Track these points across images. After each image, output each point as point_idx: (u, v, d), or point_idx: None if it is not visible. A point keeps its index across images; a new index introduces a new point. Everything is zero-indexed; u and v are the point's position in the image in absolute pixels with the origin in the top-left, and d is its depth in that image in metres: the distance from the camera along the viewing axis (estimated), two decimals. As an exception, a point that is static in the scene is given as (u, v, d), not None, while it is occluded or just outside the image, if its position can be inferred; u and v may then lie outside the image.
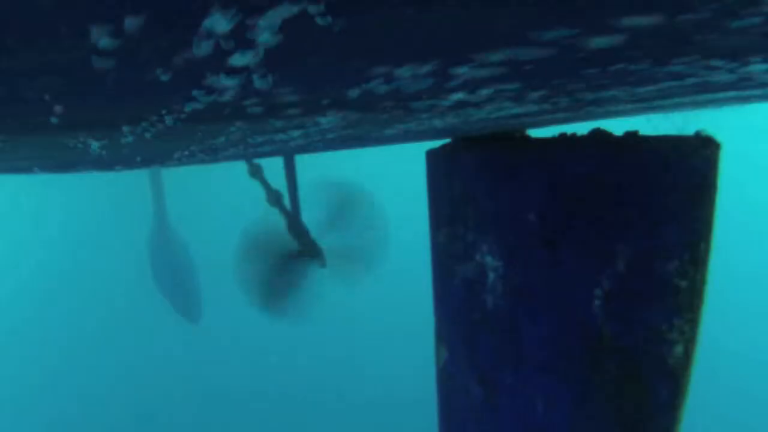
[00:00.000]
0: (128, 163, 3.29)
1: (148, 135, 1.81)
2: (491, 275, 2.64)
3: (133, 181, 19.03)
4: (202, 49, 0.93)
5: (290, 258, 7.98)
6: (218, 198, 20.56)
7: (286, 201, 7.92)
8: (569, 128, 2.60)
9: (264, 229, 8.05)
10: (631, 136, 2.37)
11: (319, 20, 0.86)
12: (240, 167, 8.16)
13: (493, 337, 2.71)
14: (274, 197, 7.87)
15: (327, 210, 8.30)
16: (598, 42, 1.12)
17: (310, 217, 7.99)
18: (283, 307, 8.26)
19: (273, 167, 7.68)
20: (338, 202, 8.37)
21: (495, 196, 2.54)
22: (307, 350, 23.36)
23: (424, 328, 3.26)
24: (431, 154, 2.94)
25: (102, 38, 0.84)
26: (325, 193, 8.24)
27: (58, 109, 1.27)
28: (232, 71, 1.09)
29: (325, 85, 1.34)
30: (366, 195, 8.53)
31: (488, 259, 2.63)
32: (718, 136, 2.36)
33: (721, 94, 2.05)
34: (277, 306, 8.23)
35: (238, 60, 1.02)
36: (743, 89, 1.83)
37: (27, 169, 3.17)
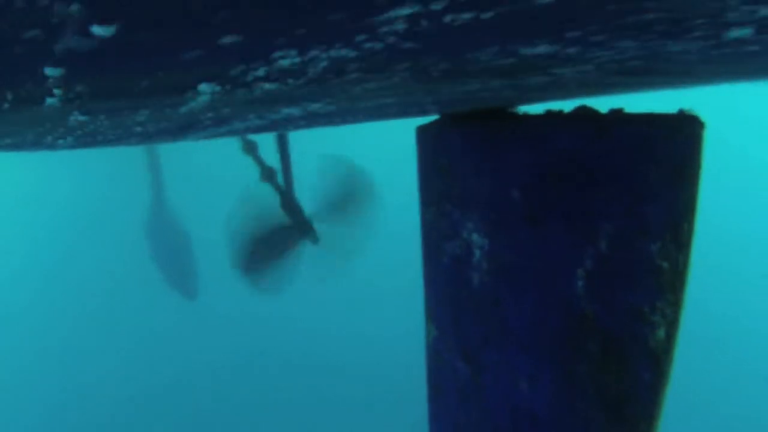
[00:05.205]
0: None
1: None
2: (477, 253, 2.64)
3: (131, 159, 18.97)
4: None
5: (280, 232, 7.96)
6: (216, 175, 20.47)
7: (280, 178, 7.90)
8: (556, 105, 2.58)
9: (255, 201, 7.99)
10: (616, 114, 2.35)
11: None
12: (236, 145, 8.13)
13: (479, 315, 2.71)
14: (267, 174, 7.86)
15: (329, 190, 8.20)
16: None
17: (307, 192, 7.92)
18: (271, 282, 8.26)
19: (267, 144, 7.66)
20: (343, 186, 8.26)
21: (479, 173, 2.53)
22: (305, 326, 23.43)
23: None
24: (421, 131, 2.93)
25: None
26: (331, 173, 8.12)
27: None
28: None
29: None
30: (369, 180, 8.40)
31: (474, 237, 2.63)
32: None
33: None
34: (265, 280, 8.24)
35: None
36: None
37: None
